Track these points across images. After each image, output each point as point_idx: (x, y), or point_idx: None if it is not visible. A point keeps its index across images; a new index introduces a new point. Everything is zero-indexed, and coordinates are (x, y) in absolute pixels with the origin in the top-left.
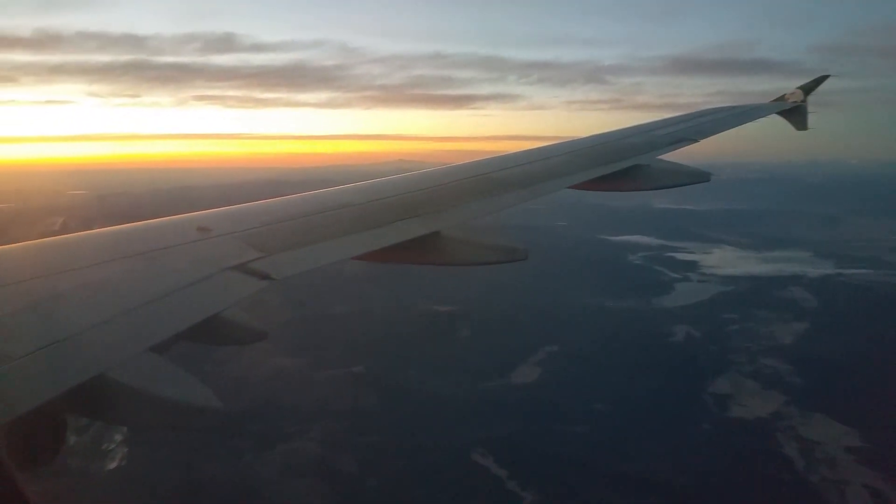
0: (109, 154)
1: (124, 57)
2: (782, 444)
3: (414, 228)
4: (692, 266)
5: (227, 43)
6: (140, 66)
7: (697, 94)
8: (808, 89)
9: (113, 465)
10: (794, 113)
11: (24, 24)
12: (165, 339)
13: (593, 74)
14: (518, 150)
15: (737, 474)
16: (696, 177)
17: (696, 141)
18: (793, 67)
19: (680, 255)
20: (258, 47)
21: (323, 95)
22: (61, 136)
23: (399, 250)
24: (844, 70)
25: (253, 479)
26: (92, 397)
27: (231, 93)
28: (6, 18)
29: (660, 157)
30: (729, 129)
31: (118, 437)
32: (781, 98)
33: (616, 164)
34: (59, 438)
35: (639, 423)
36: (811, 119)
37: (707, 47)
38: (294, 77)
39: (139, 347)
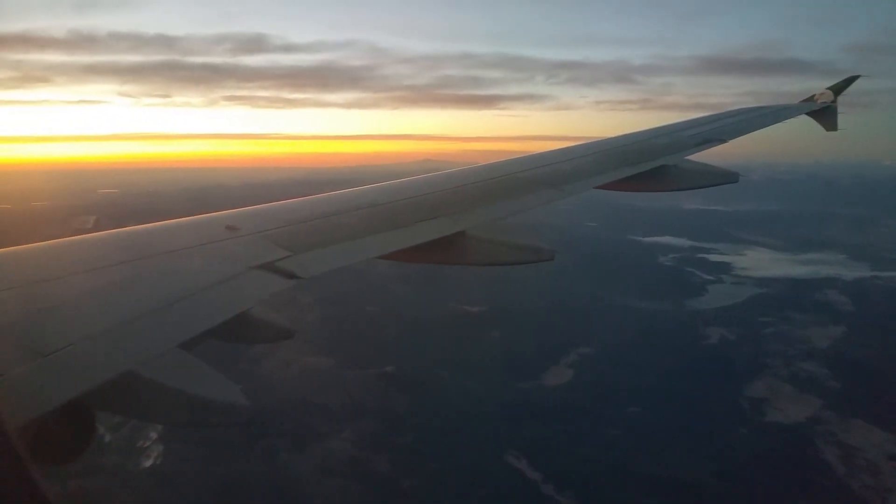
0: (140, 153)
1: (156, 57)
2: (822, 449)
3: (440, 228)
4: (725, 268)
5: (257, 44)
6: (171, 67)
7: (727, 94)
8: (837, 90)
9: (148, 464)
10: (824, 113)
11: (59, 24)
12: (194, 336)
13: (622, 74)
14: (544, 150)
15: (776, 480)
16: (724, 177)
17: (724, 141)
18: (825, 67)
19: (712, 257)
20: (288, 48)
21: (351, 96)
22: (93, 135)
23: (425, 250)
24: (878, 70)
25: (288, 478)
26: (121, 393)
27: (260, 93)
28: (42, 19)
29: (688, 157)
30: (758, 129)
31: (153, 435)
32: (811, 98)
33: (643, 165)
34: (89, 434)
35: (674, 426)
36: (841, 120)
37: (738, 47)
38: (323, 77)
39: (168, 344)
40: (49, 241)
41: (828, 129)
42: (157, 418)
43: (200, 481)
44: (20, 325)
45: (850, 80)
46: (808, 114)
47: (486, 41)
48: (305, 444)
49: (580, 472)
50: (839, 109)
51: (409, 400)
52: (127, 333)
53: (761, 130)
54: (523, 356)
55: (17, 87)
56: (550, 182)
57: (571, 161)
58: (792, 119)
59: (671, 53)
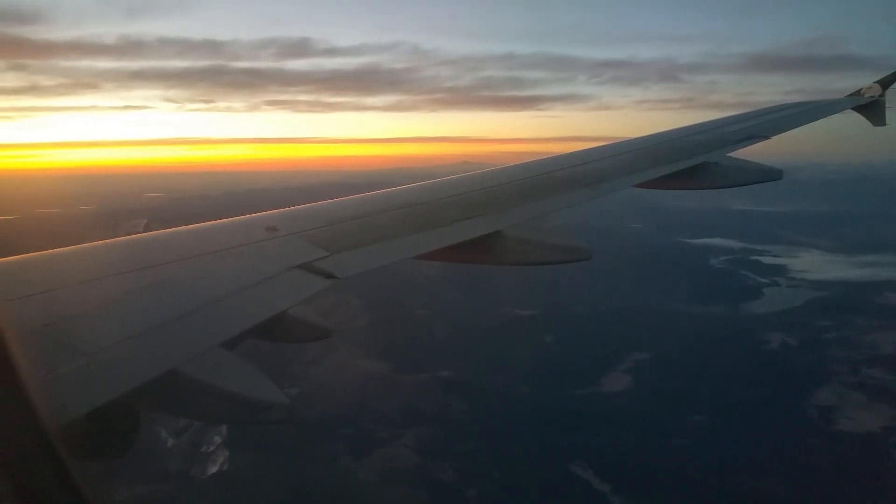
0: (183, 158)
1: (202, 62)
2: None
3: (476, 228)
4: (780, 270)
5: (301, 48)
6: (216, 72)
7: (775, 91)
8: (886, 83)
9: (214, 469)
10: (872, 108)
11: (111, 31)
12: (234, 335)
13: (668, 73)
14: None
15: (856, 493)
16: (767, 175)
17: (767, 138)
18: (882, 63)
19: (765, 259)
20: (332, 52)
21: (390, 98)
22: (137, 140)
23: (461, 250)
24: None
25: (353, 485)
26: (164, 391)
27: (302, 97)
28: (95, 26)
29: (729, 154)
30: (802, 125)
31: (217, 440)
32: (857, 93)
33: (683, 162)
34: (134, 431)
35: (742, 436)
36: (890, 115)
37: (792, 43)
38: (364, 81)
39: (209, 343)
40: (93, 243)
41: (875, 125)
42: (198, 415)
43: (267, 488)
44: (66, 326)
45: None
46: (854, 109)
47: (531, 41)
48: (366, 450)
49: (650, 484)
50: (888, 104)
51: (468, 406)
52: (169, 333)
53: (807, 127)
54: (578, 361)
55: (67, 93)
56: (587, 181)
57: (608, 159)
58: (839, 115)
59: (721, 51)
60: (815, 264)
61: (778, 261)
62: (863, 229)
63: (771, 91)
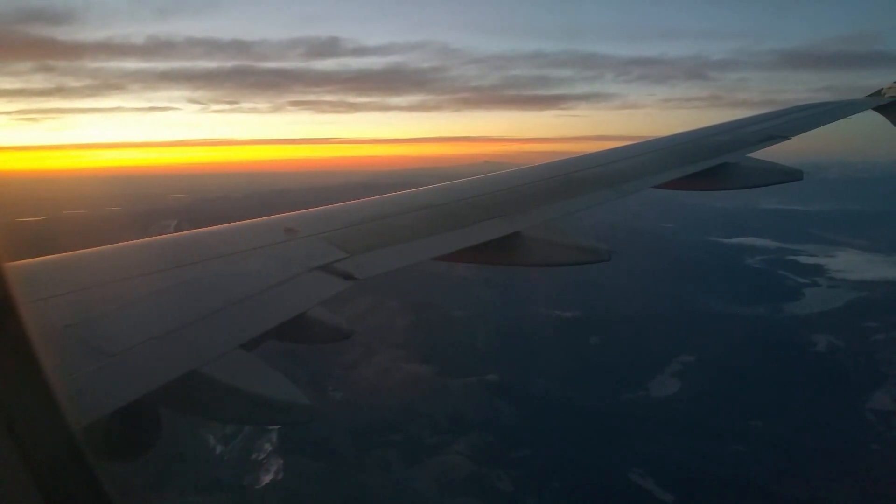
0: (207, 159)
1: (229, 63)
2: None
3: (495, 229)
4: (818, 270)
5: (330, 47)
6: (243, 72)
7: (803, 89)
8: None
9: (269, 478)
10: (892, 108)
11: (140, 31)
12: (255, 336)
13: (697, 70)
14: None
15: None
16: (788, 175)
17: (787, 138)
18: None
19: (802, 259)
20: (360, 51)
21: (415, 98)
22: (162, 141)
23: (481, 251)
24: None
25: (410, 494)
26: (185, 392)
27: (326, 98)
28: (125, 26)
29: (750, 154)
30: (822, 125)
31: (268, 447)
32: (877, 93)
33: (704, 163)
34: (155, 431)
35: (800, 442)
36: None
37: (827, 40)
38: (389, 80)
39: (230, 345)
40: (114, 245)
41: None
42: (219, 416)
43: (324, 499)
44: (88, 326)
45: None
46: (875, 109)
47: (560, 38)
48: (419, 457)
49: (712, 493)
50: None
51: (517, 411)
52: (190, 334)
53: (828, 127)
54: (625, 365)
55: (93, 94)
56: (607, 182)
57: (629, 160)
58: (860, 115)
59: (754, 48)
60: (853, 264)
61: (815, 260)
62: None
63: (800, 89)
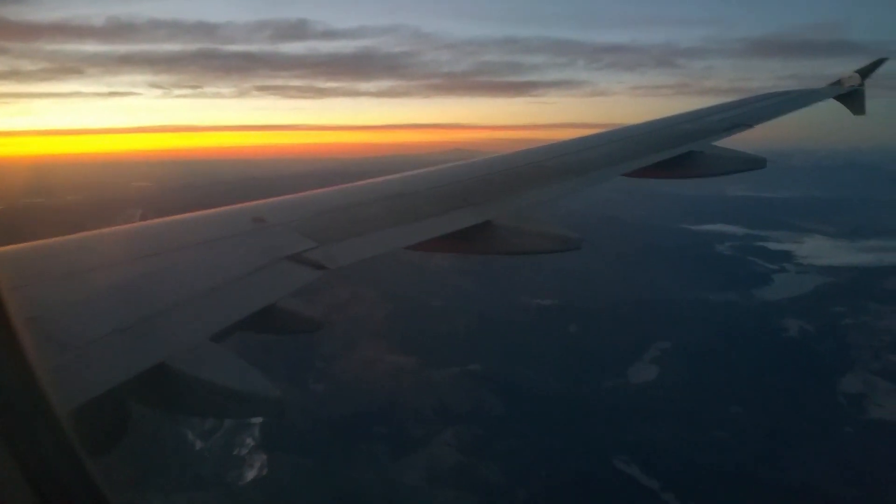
0: (170, 145)
1: (193, 46)
2: None
3: (466, 218)
4: (787, 256)
5: (298, 30)
6: (207, 56)
7: (769, 77)
8: (865, 72)
9: (253, 474)
10: (852, 97)
11: (99, 12)
12: (224, 328)
13: (666, 58)
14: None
15: None
16: (751, 163)
17: (751, 126)
18: (879, 49)
19: (770, 245)
20: (329, 34)
21: (385, 84)
22: (123, 127)
23: (451, 240)
24: None
25: (400, 489)
26: (153, 385)
27: (293, 82)
28: (83, 6)
29: (715, 143)
30: (785, 114)
31: (250, 442)
32: (838, 82)
33: (671, 151)
34: (123, 425)
35: (778, 426)
36: (874, 104)
37: (794, 28)
38: (359, 65)
39: (199, 337)
40: (77, 235)
41: (855, 113)
42: (188, 410)
43: (311, 494)
44: (51, 319)
45: (878, 63)
46: (836, 98)
47: (533, 24)
48: (406, 450)
49: (699, 480)
50: (868, 93)
51: (501, 401)
52: (157, 326)
53: (792, 115)
54: (604, 352)
55: (50, 78)
56: (576, 170)
57: (598, 148)
58: (823, 104)
59: (723, 35)
60: (820, 250)
61: (783, 246)
62: (862, 214)
63: (766, 76)
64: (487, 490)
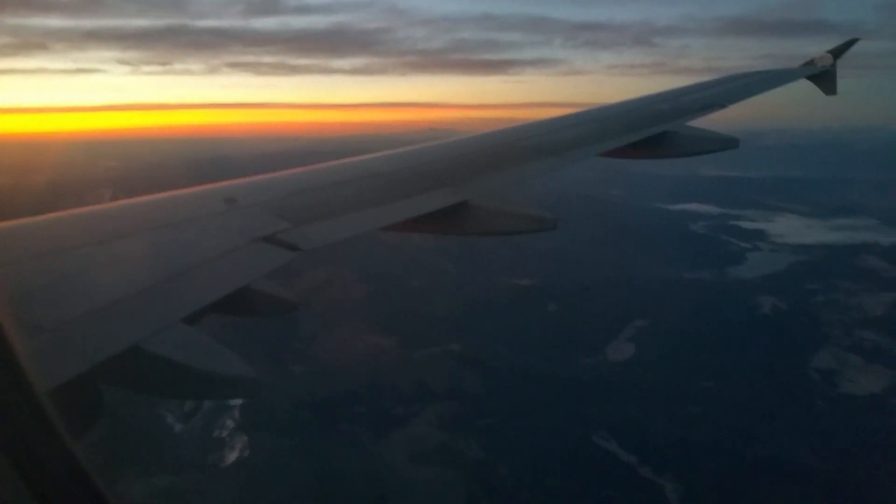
0: (139, 124)
1: (162, 21)
2: None
3: (442, 198)
4: (760, 235)
5: (270, 5)
6: (176, 32)
7: (743, 56)
8: (837, 53)
9: (234, 456)
10: (824, 77)
11: None
12: (197, 310)
13: (642, 36)
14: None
15: (871, 456)
16: (724, 143)
17: (724, 107)
18: (852, 28)
19: (744, 224)
20: (302, 9)
21: (359, 61)
22: (90, 105)
23: (427, 221)
24: None
25: (383, 468)
26: (126, 368)
27: (265, 59)
28: None
29: (689, 123)
30: (757, 94)
31: (230, 424)
32: (811, 62)
33: (645, 131)
34: (96, 409)
35: (752, 401)
36: (848, 84)
37: (769, 7)
38: (332, 42)
39: (171, 319)
40: (45, 215)
41: (827, 93)
42: (163, 393)
43: (295, 475)
44: (21, 301)
45: (849, 44)
46: (808, 78)
47: (511, 0)
48: (387, 429)
49: (675, 454)
50: (839, 73)
51: (481, 379)
52: (129, 308)
53: (765, 95)
54: (582, 331)
55: (14, 54)
56: (552, 150)
57: (573, 128)
58: (795, 83)
59: (699, 14)
60: (792, 228)
61: (756, 225)
62: (834, 193)
63: (740, 56)
64: (469, 467)
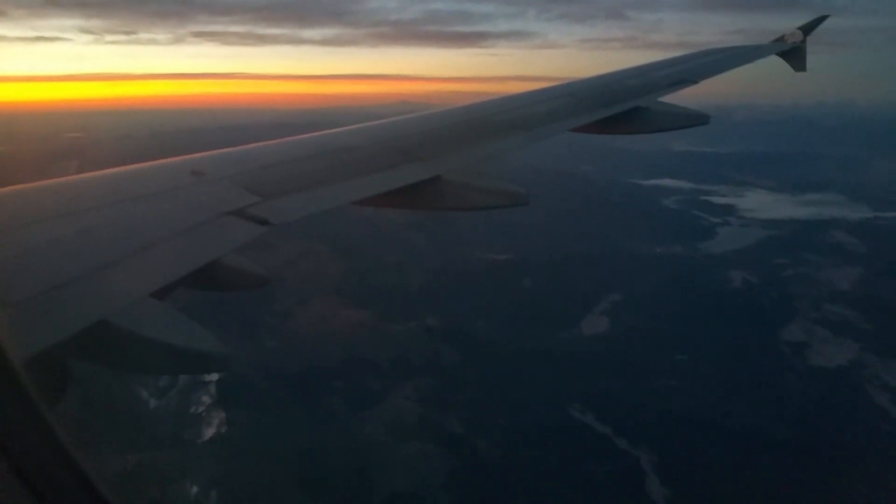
0: (103, 94)
1: None
2: (872, 394)
3: (414, 173)
4: (730, 210)
5: None
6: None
7: (716, 31)
8: (807, 29)
9: (212, 432)
10: (793, 54)
11: None
12: (165, 284)
13: (616, 10)
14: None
15: (838, 426)
16: (695, 119)
17: (695, 83)
18: (822, 5)
19: (715, 199)
20: None
21: (330, 32)
22: (51, 74)
23: (399, 195)
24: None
25: (363, 443)
26: (94, 343)
27: (233, 28)
28: None
29: (660, 98)
30: (728, 70)
31: (206, 399)
32: (781, 39)
33: (617, 107)
34: (63, 384)
35: (725, 374)
36: (819, 60)
37: None
38: (302, 11)
39: (139, 293)
40: (9, 188)
41: (796, 70)
42: (133, 368)
43: (273, 450)
44: None
45: (819, 20)
46: (778, 54)
47: None
48: (365, 404)
49: (650, 426)
50: (809, 50)
51: (458, 353)
52: (97, 282)
53: (735, 71)
54: (557, 304)
55: None
56: (525, 125)
57: (545, 103)
58: (765, 60)
59: None
60: (762, 203)
61: (727, 200)
62: (802, 169)
63: (713, 31)
64: (448, 441)
